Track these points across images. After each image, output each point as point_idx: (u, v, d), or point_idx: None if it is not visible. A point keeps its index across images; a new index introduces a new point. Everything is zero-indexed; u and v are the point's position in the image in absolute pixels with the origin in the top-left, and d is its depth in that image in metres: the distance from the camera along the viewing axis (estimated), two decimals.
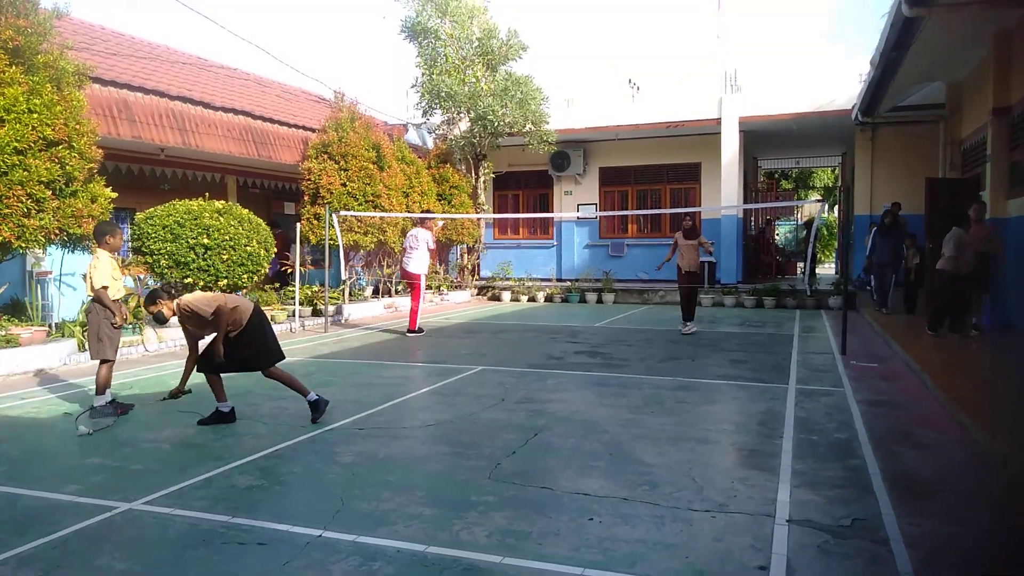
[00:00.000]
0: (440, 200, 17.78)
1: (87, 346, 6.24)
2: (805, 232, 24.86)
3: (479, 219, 19.05)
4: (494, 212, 20.72)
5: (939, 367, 7.36)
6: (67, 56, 8.68)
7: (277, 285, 14.57)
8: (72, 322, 9.56)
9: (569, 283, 19.00)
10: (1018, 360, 8.31)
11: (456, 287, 19.17)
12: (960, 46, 10.89)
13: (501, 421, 5.82)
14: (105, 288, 6.10)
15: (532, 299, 18.10)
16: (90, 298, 6.21)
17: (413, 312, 11.47)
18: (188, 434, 5.49)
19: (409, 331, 11.45)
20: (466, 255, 20.15)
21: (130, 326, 9.86)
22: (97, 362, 6.19)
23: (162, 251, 10.26)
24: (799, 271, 23.21)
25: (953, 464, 4.66)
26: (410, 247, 11.76)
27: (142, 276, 10.93)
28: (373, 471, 4.55)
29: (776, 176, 33.02)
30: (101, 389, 6.11)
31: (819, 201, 16.08)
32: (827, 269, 28.34)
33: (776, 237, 28.50)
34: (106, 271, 6.12)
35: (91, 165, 8.81)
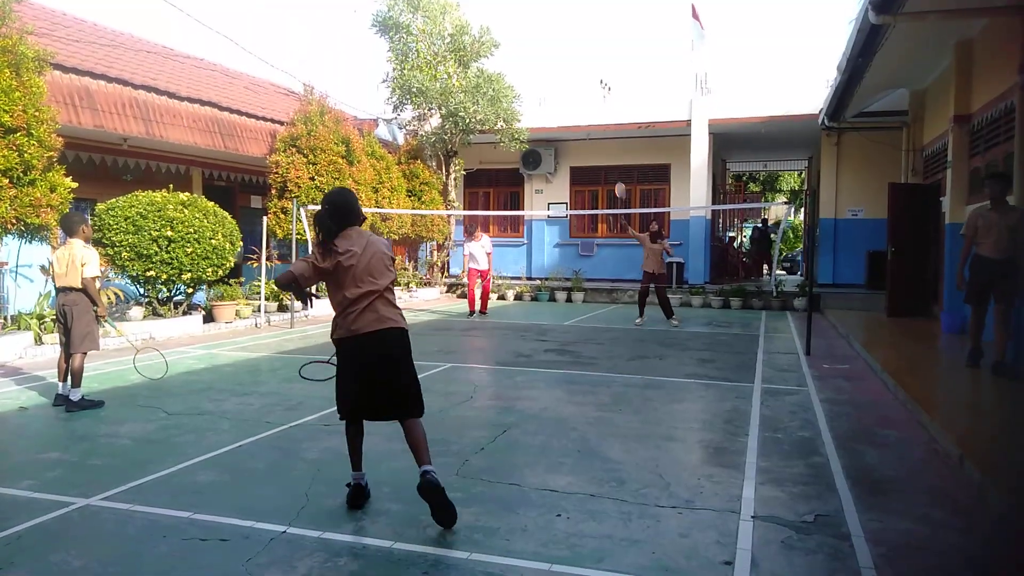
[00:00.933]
0: (410, 196, 17.68)
1: (66, 338, 6.08)
2: (759, 235, 25.19)
3: (449, 216, 18.97)
4: (464, 209, 20.66)
5: (899, 369, 7.52)
6: (27, 41, 8.44)
7: (242, 280, 14.35)
8: (28, 314, 9.30)
9: (539, 281, 19.02)
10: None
11: (425, 284, 19.09)
12: (923, 54, 11.13)
13: (470, 418, 5.80)
14: (95, 278, 6.05)
15: (502, 297, 18.08)
16: (63, 289, 6.04)
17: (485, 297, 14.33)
18: (149, 429, 5.37)
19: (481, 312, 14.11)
20: (436, 252, 20.07)
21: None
22: (61, 352, 6.13)
23: (124, 243, 10.04)
24: (765, 273, 23.53)
25: (913, 462, 4.76)
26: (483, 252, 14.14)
27: (102, 269, 10.67)
28: (339, 467, 4.48)
29: (744, 178, 33.45)
30: (79, 381, 6.00)
31: (786, 203, 16.33)
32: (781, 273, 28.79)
33: (744, 239, 28.88)
34: (96, 260, 6.10)
35: (50, 153, 8.58)
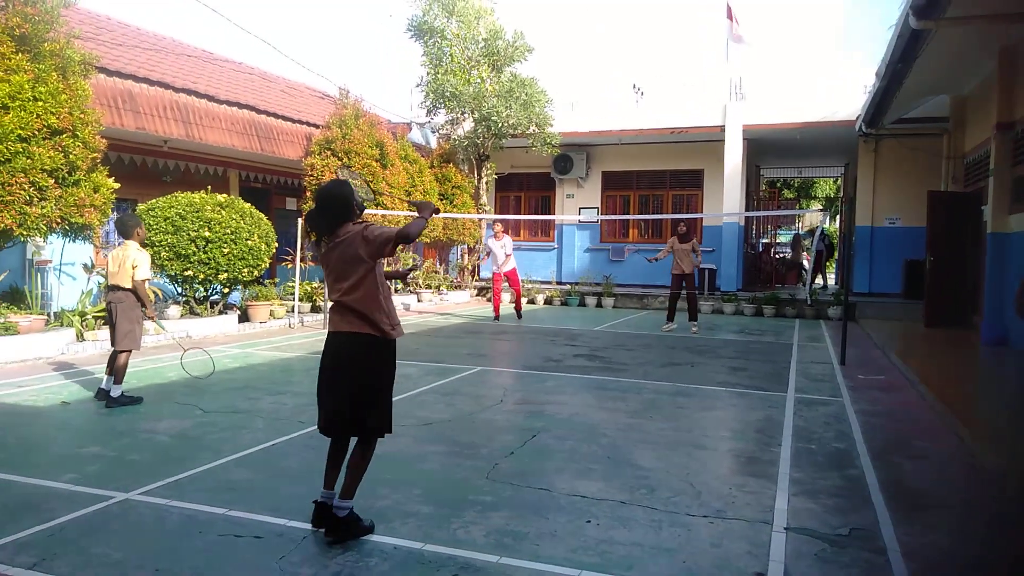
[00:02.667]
0: (442, 200, 17.77)
1: (112, 334, 6.26)
2: (794, 244, 24.80)
3: (480, 220, 19.05)
4: (496, 213, 20.72)
5: (937, 380, 7.37)
6: (73, 45, 8.67)
7: (276, 280, 14.55)
8: (71, 311, 9.54)
9: (569, 286, 18.99)
10: (1016, 375, 8.31)
11: (456, 287, 19.17)
12: (966, 60, 10.91)
13: (499, 422, 5.82)
14: (145, 281, 6.20)
15: (531, 301, 18.09)
16: (112, 287, 6.21)
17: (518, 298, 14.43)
18: (185, 426, 5.48)
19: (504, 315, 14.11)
20: (466, 255, 20.15)
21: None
22: (111, 350, 6.29)
23: (163, 243, 10.25)
24: (805, 281, 23.20)
25: (950, 476, 4.66)
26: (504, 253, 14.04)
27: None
28: (370, 468, 4.52)
29: (778, 185, 33.05)
30: (120, 378, 6.15)
31: (821, 211, 16.12)
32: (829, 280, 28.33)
33: (778, 246, 28.49)
34: (148, 263, 6.24)
35: (94, 155, 8.80)
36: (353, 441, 3.63)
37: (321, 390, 3.61)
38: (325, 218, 3.49)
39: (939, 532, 3.69)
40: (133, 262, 6.13)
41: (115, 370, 6.13)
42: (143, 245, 6.40)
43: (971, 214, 12.38)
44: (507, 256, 14.03)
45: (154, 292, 10.67)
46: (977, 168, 12.68)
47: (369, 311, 3.46)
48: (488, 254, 14.53)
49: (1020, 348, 9.57)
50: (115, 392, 6.08)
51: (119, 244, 6.39)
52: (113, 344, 6.23)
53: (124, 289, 6.17)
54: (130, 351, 6.23)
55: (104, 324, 9.61)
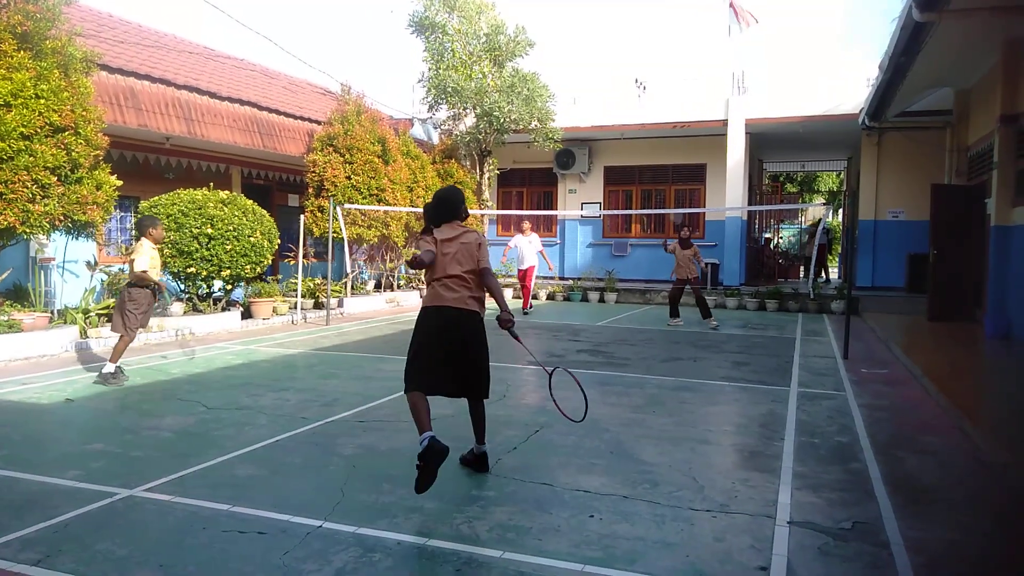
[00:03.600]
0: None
1: (114, 321, 7.03)
2: (808, 236, 24.79)
3: (483, 215, 19.03)
4: (498, 209, 20.71)
5: (941, 374, 7.35)
6: (75, 42, 8.67)
7: (279, 277, 14.57)
8: (75, 309, 9.56)
9: (571, 281, 18.99)
10: (1020, 369, 8.30)
11: None
12: (969, 52, 10.85)
13: (502, 417, 5.82)
14: (145, 271, 6.91)
15: (534, 296, 18.08)
16: (127, 281, 7.04)
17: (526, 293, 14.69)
18: (189, 423, 5.49)
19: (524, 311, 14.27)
20: None
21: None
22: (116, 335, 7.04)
23: (165, 240, 10.25)
24: (802, 275, 23.16)
25: (954, 470, 4.66)
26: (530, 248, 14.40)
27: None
28: (374, 464, 4.55)
29: (781, 179, 32.99)
30: (115, 357, 6.88)
31: (824, 204, 16.10)
32: (831, 274, 28.31)
33: (780, 240, 28.45)
34: (145, 257, 6.95)
35: (97, 152, 8.81)
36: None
37: (435, 355, 4.21)
38: (437, 213, 4.39)
39: (943, 526, 3.68)
40: (132, 255, 6.90)
41: (114, 347, 6.93)
42: (159, 243, 7.25)
43: (975, 207, 12.34)
44: (540, 252, 14.54)
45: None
46: (981, 161, 12.63)
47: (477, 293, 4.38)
48: (517, 251, 14.75)
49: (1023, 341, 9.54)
50: (109, 368, 6.82)
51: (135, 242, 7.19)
52: (112, 329, 7.14)
53: (127, 283, 6.99)
54: (122, 336, 6.93)
55: (107, 321, 9.65)
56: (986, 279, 10.97)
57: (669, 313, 12.90)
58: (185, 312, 10.76)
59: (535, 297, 17.97)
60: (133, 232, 10.96)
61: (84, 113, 8.57)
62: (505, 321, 4.27)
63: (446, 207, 4.38)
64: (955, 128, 14.20)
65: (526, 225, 14.64)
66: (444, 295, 4.20)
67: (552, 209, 20.83)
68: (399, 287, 17.09)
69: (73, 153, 8.36)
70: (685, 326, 12.50)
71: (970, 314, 12.34)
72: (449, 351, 4.19)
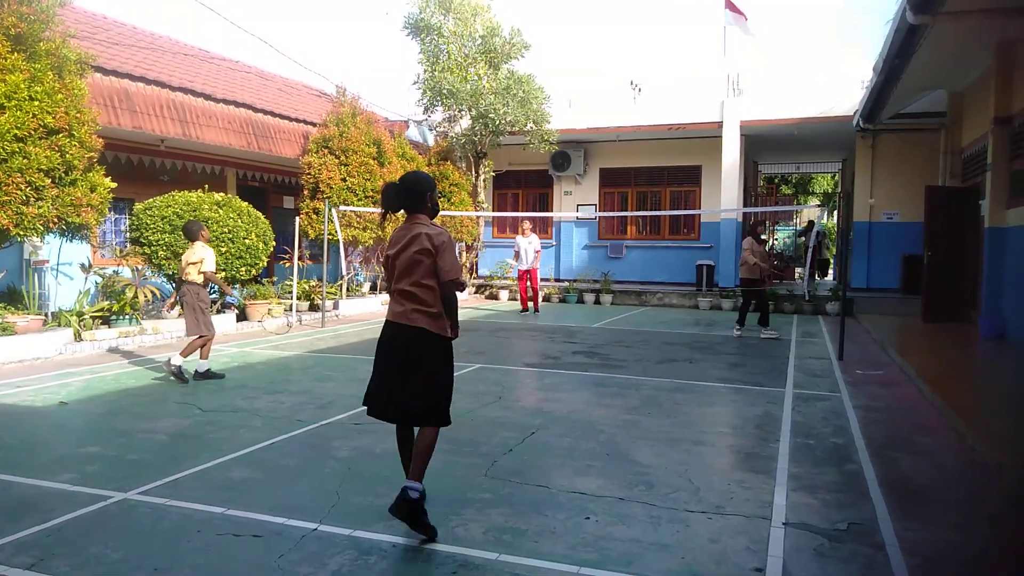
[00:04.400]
0: (440, 197, 17.74)
1: (187, 323, 7.20)
2: (804, 238, 24.84)
3: (478, 217, 19.03)
4: (493, 211, 20.70)
5: (936, 375, 7.37)
6: (69, 44, 8.64)
7: (274, 279, 14.54)
8: (69, 311, 9.53)
9: (567, 283, 18.98)
10: (1015, 370, 8.32)
11: None
12: (963, 55, 10.90)
13: (498, 419, 5.82)
14: (214, 272, 7.24)
15: (529, 298, 18.05)
16: (182, 282, 7.17)
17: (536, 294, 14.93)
18: (184, 426, 5.48)
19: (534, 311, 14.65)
20: (465, 253, 20.14)
21: (126, 317, 9.84)
22: (192, 337, 7.20)
23: (160, 242, 10.24)
24: (797, 276, 23.20)
25: (949, 471, 4.67)
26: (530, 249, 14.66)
27: (139, 267, 10.90)
28: (369, 466, 4.54)
29: (776, 181, 33.05)
30: (205, 355, 7.23)
31: (819, 206, 16.13)
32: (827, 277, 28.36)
33: (775, 242, 28.50)
34: (212, 257, 7.26)
35: (91, 154, 8.78)
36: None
37: (376, 377, 3.78)
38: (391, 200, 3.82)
39: (938, 527, 3.69)
40: (200, 257, 7.12)
41: (201, 352, 7.19)
42: (208, 243, 7.48)
43: (969, 209, 12.38)
44: (536, 253, 14.67)
45: (151, 291, 10.65)
46: (975, 163, 12.67)
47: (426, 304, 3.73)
48: (517, 255, 15.01)
49: (1018, 342, 9.58)
50: (202, 367, 7.17)
51: (189, 247, 7.31)
52: (187, 333, 7.22)
53: (189, 283, 7.10)
54: (204, 336, 7.15)
55: (102, 324, 9.63)
56: (980, 280, 11.01)
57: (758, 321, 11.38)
58: (180, 315, 10.71)
59: (530, 299, 17.97)
60: (128, 235, 10.93)
61: (78, 115, 8.55)
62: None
63: (400, 199, 3.73)
64: (949, 130, 14.25)
65: (527, 226, 14.71)
66: (392, 307, 3.70)
67: (548, 211, 20.83)
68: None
69: (67, 155, 8.34)
70: (676, 327, 12.51)
71: (965, 315, 12.37)
72: (384, 372, 3.66)
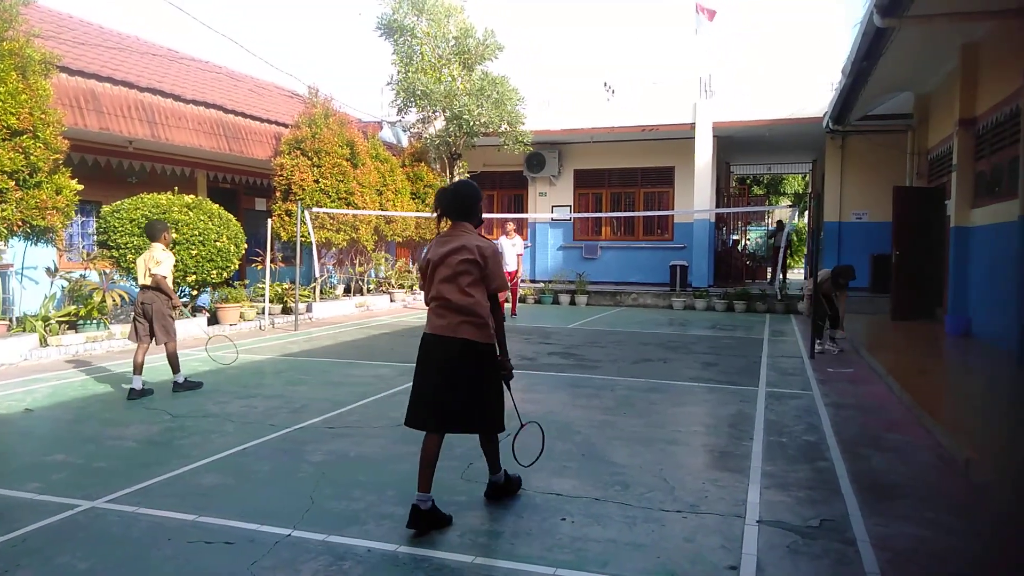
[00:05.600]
0: (414, 199, 17.69)
1: (149, 331, 6.74)
2: (773, 239, 25.12)
3: None
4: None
5: (904, 372, 7.49)
6: (33, 44, 8.47)
7: (246, 282, 14.38)
8: (34, 316, 9.33)
9: (543, 284, 19.03)
10: (980, 367, 8.49)
11: None
12: (929, 58, 11.11)
13: None
14: (165, 277, 6.74)
15: (505, 300, 18.07)
16: (143, 287, 6.76)
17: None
18: (153, 432, 5.38)
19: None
20: None
21: (94, 321, 9.66)
22: (139, 347, 6.75)
23: (129, 245, 10.07)
24: (769, 275, 23.48)
25: (918, 467, 4.74)
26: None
27: (107, 271, 10.71)
28: (344, 470, 4.50)
29: (748, 181, 33.42)
30: (176, 367, 6.87)
31: (790, 207, 16.34)
32: (797, 275, 28.74)
33: (747, 242, 28.82)
34: (170, 262, 6.82)
35: (56, 156, 8.62)
36: None
37: (420, 388, 3.88)
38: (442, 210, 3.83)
39: (907, 522, 3.75)
40: (157, 261, 6.69)
41: (168, 361, 6.84)
42: (168, 248, 7.06)
43: (935, 209, 12.62)
44: (518, 256, 14.46)
45: (120, 295, 10.47)
46: (941, 163, 12.93)
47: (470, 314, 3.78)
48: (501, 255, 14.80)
49: (983, 339, 9.78)
50: (179, 379, 6.84)
51: (148, 248, 6.93)
52: (155, 341, 6.76)
53: (152, 288, 6.71)
54: (174, 341, 6.82)
55: (69, 329, 9.43)
56: (947, 279, 11.22)
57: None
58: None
59: (506, 300, 17.99)
60: (96, 238, 10.72)
61: (43, 116, 8.38)
62: (505, 372, 3.86)
63: (451, 205, 3.77)
64: (916, 131, 14.52)
65: (510, 227, 14.63)
66: (433, 320, 3.70)
67: (523, 212, 20.86)
68: (369, 291, 16.97)
69: (31, 157, 8.17)
70: (651, 326, 12.58)
71: (932, 313, 12.61)
72: (433, 385, 3.66)
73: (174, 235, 10.19)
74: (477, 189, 3.87)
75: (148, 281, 6.70)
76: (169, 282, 6.76)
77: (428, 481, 3.61)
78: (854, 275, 9.71)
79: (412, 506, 3.53)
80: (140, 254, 9.94)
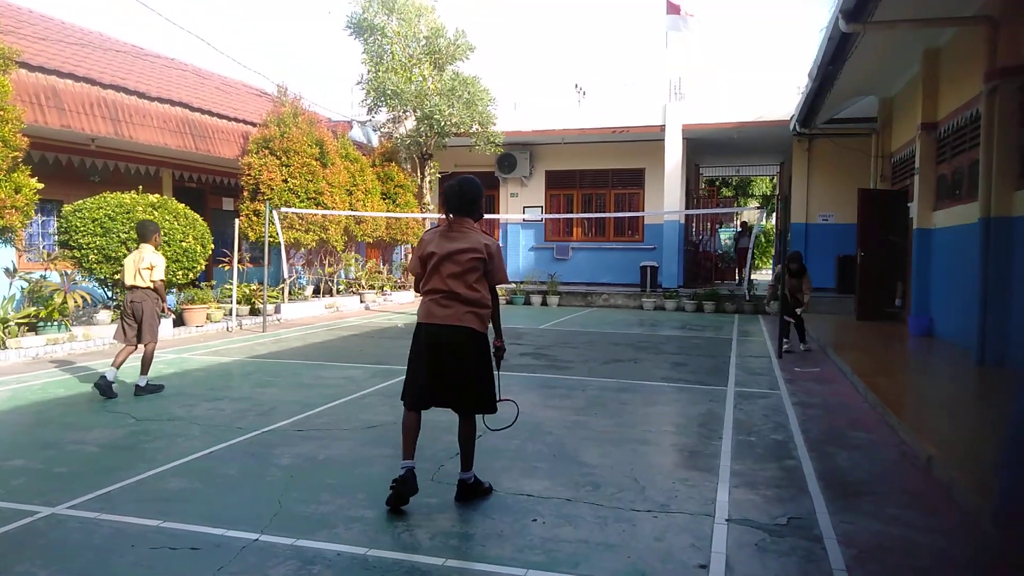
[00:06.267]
0: (385, 199, 17.59)
1: (135, 329, 6.72)
2: (736, 241, 25.41)
3: (424, 219, 18.91)
4: (439, 212, 20.59)
5: (869, 371, 7.63)
6: None
7: (213, 283, 14.16)
8: None
9: (514, 285, 19.03)
10: (941, 366, 8.67)
11: (400, 287, 18.99)
12: (892, 63, 11.34)
13: (444, 423, 5.74)
14: (163, 281, 6.82)
15: None
16: (131, 288, 6.73)
17: None
18: (117, 436, 5.27)
19: None
20: (410, 255, 19.98)
21: (55, 323, 9.44)
22: (124, 345, 6.74)
23: (91, 245, 9.86)
24: (738, 277, 23.76)
25: (883, 464, 4.82)
26: None
27: (68, 271, 10.47)
28: (313, 473, 4.45)
29: (717, 183, 33.79)
30: (147, 369, 6.73)
31: (758, 208, 16.54)
32: (765, 275, 29.13)
33: (723, 243, 29.12)
34: (163, 265, 6.85)
35: (15, 154, 8.41)
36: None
37: (420, 372, 4.06)
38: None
39: (873, 519, 3.81)
40: (150, 264, 6.70)
41: (143, 361, 6.72)
42: (159, 249, 7.05)
43: (899, 211, 12.87)
44: None
45: (82, 296, 10.24)
46: (903, 167, 13.19)
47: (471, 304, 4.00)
48: None
49: (944, 339, 9.99)
50: (141, 381, 6.64)
51: (136, 248, 6.88)
52: (137, 341, 6.72)
53: (142, 289, 6.70)
54: (155, 343, 6.83)
55: (29, 331, 9.19)
56: (909, 280, 11.45)
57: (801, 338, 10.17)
58: (113, 320, 10.33)
59: None
60: (57, 238, 10.46)
61: (1, 113, 8.17)
62: (498, 349, 4.15)
63: (455, 201, 3.96)
64: (880, 135, 14.79)
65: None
66: (433, 309, 3.90)
67: (494, 213, 20.84)
68: (339, 292, 16.82)
69: None
70: (622, 327, 12.65)
71: (895, 314, 12.85)
72: (433, 370, 3.90)
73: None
74: (480, 186, 4.05)
75: (138, 282, 6.70)
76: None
77: (412, 449, 3.89)
78: (800, 259, 10.18)
79: (404, 473, 3.76)
80: (103, 254, 9.84)
